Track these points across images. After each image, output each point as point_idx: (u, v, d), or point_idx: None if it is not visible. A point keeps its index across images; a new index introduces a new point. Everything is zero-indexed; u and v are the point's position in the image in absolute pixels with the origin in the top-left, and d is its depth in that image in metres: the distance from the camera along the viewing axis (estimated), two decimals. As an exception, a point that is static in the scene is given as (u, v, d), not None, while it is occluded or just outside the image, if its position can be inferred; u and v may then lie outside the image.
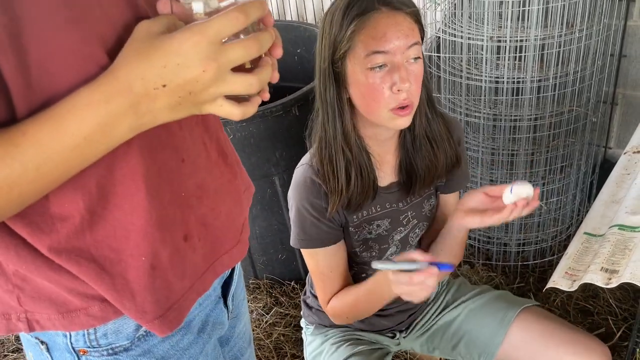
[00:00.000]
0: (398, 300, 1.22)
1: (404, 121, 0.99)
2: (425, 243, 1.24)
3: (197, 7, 0.51)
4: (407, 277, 0.91)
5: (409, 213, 1.14)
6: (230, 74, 0.50)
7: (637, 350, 1.59)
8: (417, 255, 0.91)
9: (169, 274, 0.64)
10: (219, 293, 0.78)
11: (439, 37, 1.72)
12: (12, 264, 0.58)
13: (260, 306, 1.97)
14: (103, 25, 0.52)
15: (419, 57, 0.97)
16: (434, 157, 1.09)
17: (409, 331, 1.29)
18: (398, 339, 1.29)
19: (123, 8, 0.54)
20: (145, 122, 0.51)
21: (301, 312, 1.34)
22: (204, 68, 0.48)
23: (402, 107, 0.97)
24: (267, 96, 0.56)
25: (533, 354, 1.17)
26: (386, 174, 1.11)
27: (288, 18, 2.45)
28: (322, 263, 1.11)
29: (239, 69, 0.51)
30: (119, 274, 0.60)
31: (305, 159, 1.10)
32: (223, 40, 0.49)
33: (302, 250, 1.12)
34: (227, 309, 0.80)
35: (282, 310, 1.95)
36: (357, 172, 1.03)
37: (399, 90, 0.94)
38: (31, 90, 0.49)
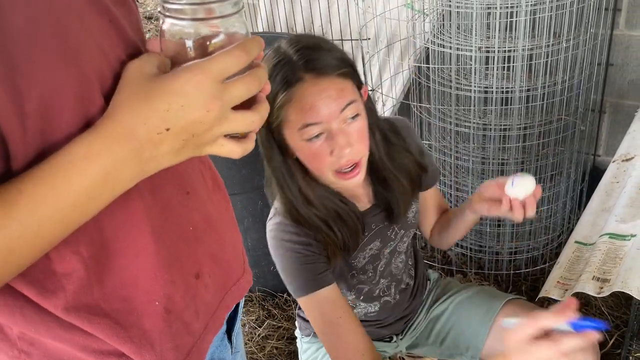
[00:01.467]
0: (395, 310, 1.23)
1: (353, 182, 0.97)
2: (436, 231, 1.27)
3: (189, 41, 0.49)
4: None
5: (395, 226, 1.14)
6: (231, 112, 0.48)
7: (630, 357, 1.59)
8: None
9: (185, 315, 0.60)
10: (224, 329, 0.74)
11: (428, 48, 1.73)
12: (18, 327, 0.53)
13: (252, 319, 1.96)
14: (98, 61, 0.49)
15: (357, 114, 0.94)
16: (401, 185, 1.08)
17: (404, 333, 1.30)
18: (396, 341, 1.29)
19: (114, 39, 0.51)
20: (149, 169, 0.48)
21: (296, 323, 1.34)
22: (208, 108, 0.46)
23: (350, 169, 0.95)
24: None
25: None
26: (363, 201, 1.10)
27: (277, 29, 2.45)
28: (327, 307, 1.02)
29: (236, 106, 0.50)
30: (133, 324, 0.56)
31: (275, 211, 1.06)
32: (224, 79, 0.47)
33: (303, 304, 1.05)
34: (231, 344, 0.76)
35: (274, 323, 1.94)
36: (335, 221, 1.01)
37: (338, 156, 0.93)
38: (28, 135, 0.45)
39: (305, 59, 0.91)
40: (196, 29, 0.49)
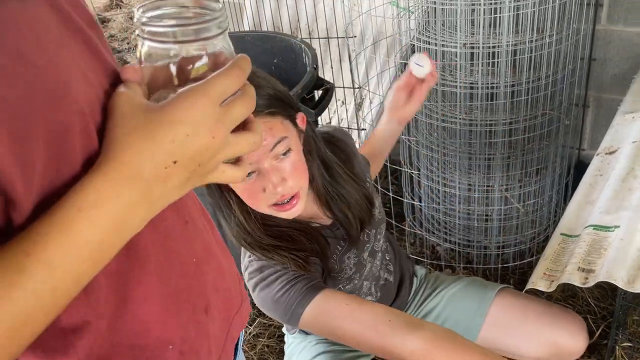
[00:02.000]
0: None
1: (292, 212, 0.96)
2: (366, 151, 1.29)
3: (172, 65, 0.46)
4: None
5: (366, 229, 1.15)
6: (232, 136, 0.46)
7: (617, 347, 1.62)
8: None
9: (200, 354, 0.57)
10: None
11: (414, 45, 1.74)
12: None
13: (243, 318, 1.96)
14: (87, 91, 0.45)
15: (289, 150, 0.93)
16: (347, 201, 1.07)
17: None
18: None
19: (95, 65, 0.47)
20: (157, 208, 0.45)
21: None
22: (213, 134, 0.43)
23: (286, 202, 0.95)
24: None
25: (513, 330, 1.22)
26: (323, 217, 1.09)
27: (264, 28, 2.46)
28: (332, 305, 0.95)
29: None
30: None
31: (245, 259, 1.05)
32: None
33: (310, 319, 0.95)
34: None
35: (265, 321, 1.94)
36: (299, 250, 0.99)
37: (271, 193, 0.93)
38: (34, 186, 0.41)
39: None
40: (180, 52, 0.45)
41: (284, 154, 0.93)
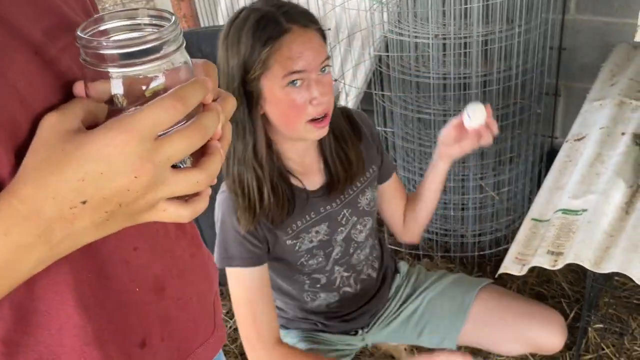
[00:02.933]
0: (359, 302, 1.25)
1: (323, 132, 1.03)
2: (409, 210, 1.30)
3: (116, 87, 0.40)
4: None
5: (345, 211, 1.16)
6: (170, 173, 0.40)
7: (590, 329, 1.66)
8: None
9: None
10: None
11: (387, 37, 1.76)
12: None
13: (224, 312, 1.96)
14: (10, 108, 0.40)
15: (328, 66, 1.01)
16: (345, 155, 1.12)
17: (370, 326, 1.32)
18: (361, 335, 1.31)
19: (42, 78, 0.43)
20: (63, 250, 0.41)
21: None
22: (137, 173, 0.38)
23: (320, 119, 1.00)
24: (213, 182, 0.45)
25: (493, 328, 1.24)
26: (314, 180, 1.13)
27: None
28: (250, 286, 1.08)
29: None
30: None
31: (225, 186, 1.09)
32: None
33: (228, 275, 1.09)
34: None
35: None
36: (269, 189, 1.04)
37: (317, 104, 0.98)
38: None
39: (289, 14, 0.97)
40: (127, 74, 0.40)
41: (325, 71, 1.00)
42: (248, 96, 0.99)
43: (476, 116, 1.10)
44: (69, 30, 0.44)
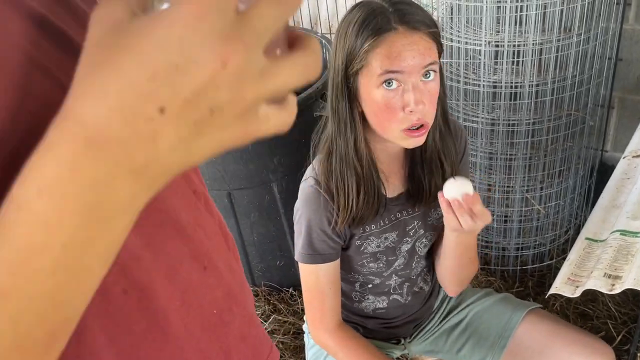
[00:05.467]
0: (405, 312, 1.23)
1: (417, 141, 0.97)
2: (436, 258, 1.23)
3: None
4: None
5: (416, 223, 1.13)
6: (267, 60, 0.28)
7: (639, 354, 1.59)
8: None
9: None
10: None
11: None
12: None
13: (258, 314, 1.96)
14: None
15: (435, 72, 0.94)
16: (442, 171, 1.07)
17: (413, 337, 1.29)
18: (403, 344, 1.29)
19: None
20: (152, 181, 0.30)
21: (304, 318, 1.33)
22: (223, 58, 0.26)
23: (416, 128, 0.95)
24: None
25: (539, 355, 1.18)
26: (394, 185, 1.10)
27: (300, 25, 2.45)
28: (323, 279, 1.09)
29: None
30: None
31: (310, 172, 1.07)
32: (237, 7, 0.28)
33: (302, 266, 1.10)
34: None
35: (280, 318, 1.94)
36: (366, 188, 1.02)
37: (411, 112, 0.92)
38: None
39: (400, 12, 0.92)
40: None
41: (430, 78, 0.93)
42: (349, 92, 0.97)
43: (449, 188, 0.94)
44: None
